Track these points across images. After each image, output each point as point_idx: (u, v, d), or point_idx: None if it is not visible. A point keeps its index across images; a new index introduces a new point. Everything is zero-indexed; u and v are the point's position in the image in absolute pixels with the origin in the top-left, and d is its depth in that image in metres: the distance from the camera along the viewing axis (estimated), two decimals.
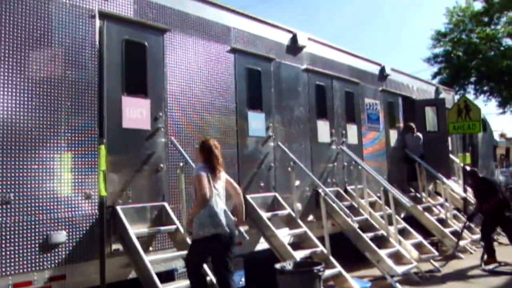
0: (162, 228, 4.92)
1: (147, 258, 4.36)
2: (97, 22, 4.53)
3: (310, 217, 7.07)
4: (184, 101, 5.46)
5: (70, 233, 4.25)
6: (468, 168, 8.56)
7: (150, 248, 4.92)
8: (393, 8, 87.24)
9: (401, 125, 10.39)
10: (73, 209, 4.29)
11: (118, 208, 4.61)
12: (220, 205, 4.26)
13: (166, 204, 5.08)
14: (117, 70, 4.75)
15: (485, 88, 25.87)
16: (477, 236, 9.83)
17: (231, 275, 4.27)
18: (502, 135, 25.79)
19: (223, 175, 4.45)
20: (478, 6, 24.06)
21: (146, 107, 5.00)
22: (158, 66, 5.19)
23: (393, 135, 9.99)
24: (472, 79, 25.80)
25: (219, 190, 4.32)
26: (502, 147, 22.69)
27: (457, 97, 14.55)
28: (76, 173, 4.33)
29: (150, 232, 4.85)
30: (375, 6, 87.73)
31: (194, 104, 5.58)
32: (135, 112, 4.88)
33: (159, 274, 4.72)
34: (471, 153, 12.88)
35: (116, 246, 4.61)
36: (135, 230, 4.57)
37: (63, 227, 4.20)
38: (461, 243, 8.87)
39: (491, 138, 17.26)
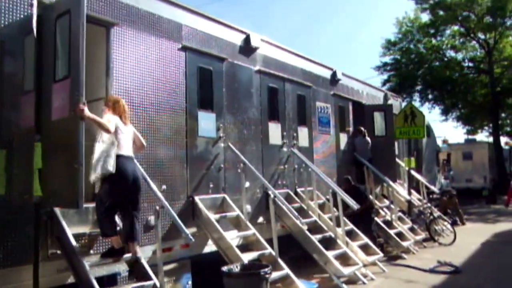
0: None
1: (86, 262, 4.15)
2: (35, 11, 4.25)
3: (260, 219, 7.06)
4: (132, 98, 5.26)
5: (1, 237, 3.96)
6: (348, 176, 9.26)
7: (91, 251, 4.70)
8: (344, 18, 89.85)
9: (351, 128, 10.65)
10: (4, 210, 4.00)
11: (57, 209, 4.34)
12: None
13: None
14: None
15: (430, 96, 27.23)
16: (420, 237, 10.28)
17: None
18: (444, 141, 27.13)
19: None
20: (425, 18, 25.32)
21: None
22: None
23: (343, 138, 10.21)
24: (418, 88, 27.07)
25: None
26: (444, 152, 23.90)
27: (404, 103, 15.16)
28: (9, 172, 4.04)
29: (91, 234, 4.63)
30: (328, 13, 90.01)
31: (142, 102, 5.39)
32: None
33: (101, 278, 4.54)
34: (416, 158, 13.45)
35: (53, 249, 4.35)
36: (74, 232, 4.34)
37: None
38: (404, 244, 9.21)
39: (434, 144, 18.13)
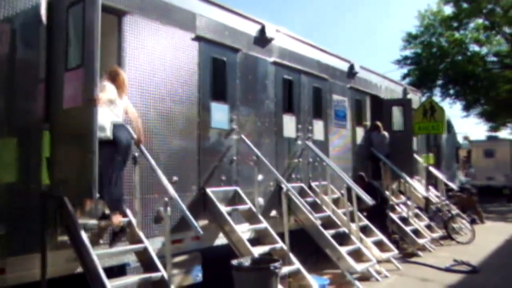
0: None
1: (94, 252, 4.12)
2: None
3: (273, 213, 6.96)
4: (144, 88, 5.21)
5: (11, 225, 3.96)
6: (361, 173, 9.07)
7: (101, 241, 4.69)
8: (364, 11, 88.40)
9: (368, 123, 10.44)
10: (14, 198, 4.00)
11: (66, 198, 4.33)
12: None
13: None
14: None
15: (451, 91, 26.54)
16: (437, 234, 10.05)
17: None
18: (465, 138, 26.51)
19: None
20: (448, 10, 24.62)
21: None
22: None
23: (360, 132, 10.01)
24: (439, 82, 26.41)
25: None
26: (465, 149, 23.36)
27: (424, 98, 14.80)
28: (18, 160, 4.03)
29: (100, 224, 4.61)
30: (347, 7, 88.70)
31: (154, 92, 5.33)
32: None
33: (110, 268, 4.53)
34: (435, 154, 13.14)
35: (63, 238, 4.35)
36: (83, 222, 4.32)
37: (2, 218, 3.90)
38: (421, 241, 9.01)
39: (454, 140, 17.73)
